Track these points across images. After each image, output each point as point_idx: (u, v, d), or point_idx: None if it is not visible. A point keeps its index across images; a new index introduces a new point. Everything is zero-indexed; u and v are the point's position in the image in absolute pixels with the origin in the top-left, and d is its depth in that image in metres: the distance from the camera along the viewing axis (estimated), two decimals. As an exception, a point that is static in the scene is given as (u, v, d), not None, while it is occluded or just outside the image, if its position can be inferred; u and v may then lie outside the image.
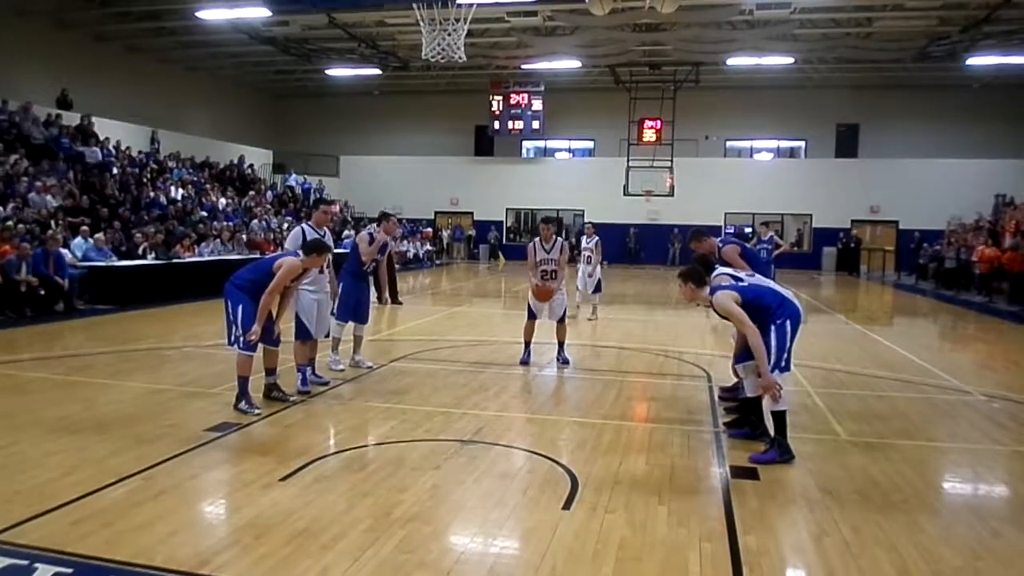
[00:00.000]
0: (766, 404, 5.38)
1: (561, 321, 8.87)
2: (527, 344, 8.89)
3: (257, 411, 6.23)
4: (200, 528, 4.10)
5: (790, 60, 24.77)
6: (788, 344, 5.33)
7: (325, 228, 7.40)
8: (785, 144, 32.59)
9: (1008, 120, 27.80)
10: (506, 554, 3.84)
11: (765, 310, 5.36)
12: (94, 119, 21.12)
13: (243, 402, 6.29)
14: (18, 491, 4.39)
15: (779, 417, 5.31)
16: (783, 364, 5.29)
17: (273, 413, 6.30)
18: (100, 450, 5.18)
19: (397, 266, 16.96)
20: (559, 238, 8.79)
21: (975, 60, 22.89)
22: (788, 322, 5.32)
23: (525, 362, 8.79)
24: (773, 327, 5.30)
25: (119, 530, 3.90)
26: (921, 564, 3.74)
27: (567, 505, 4.41)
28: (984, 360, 10.96)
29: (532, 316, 8.79)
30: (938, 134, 29.17)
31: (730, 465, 5.21)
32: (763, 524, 4.23)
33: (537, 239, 8.83)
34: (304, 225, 7.34)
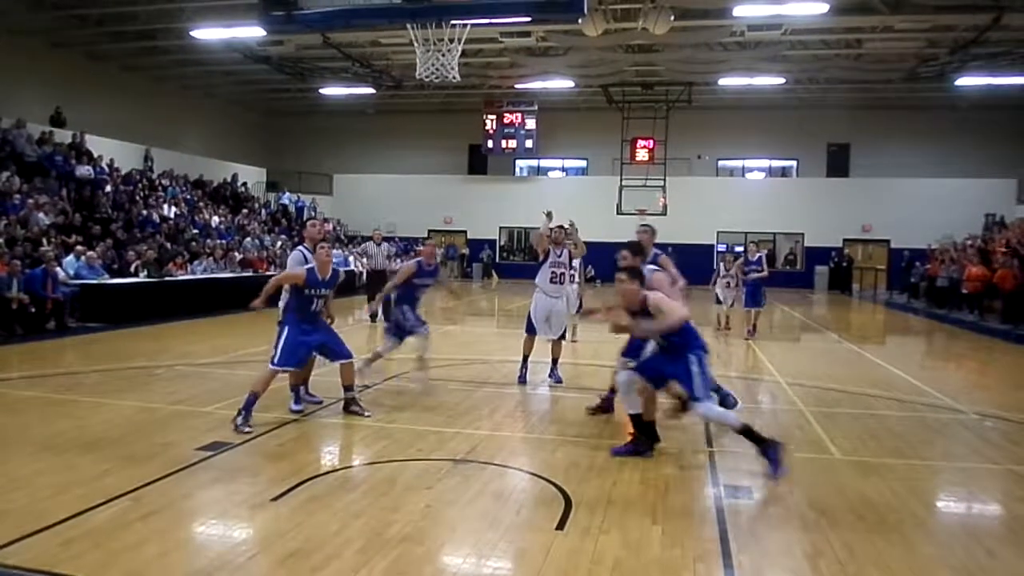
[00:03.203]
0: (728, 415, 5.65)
1: (560, 338, 8.83)
2: (525, 359, 8.76)
3: (248, 430, 6.20)
4: (191, 548, 4.07)
5: (781, 80, 24.97)
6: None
7: None
8: (777, 163, 32.77)
9: (997, 140, 28.04)
10: (499, 575, 3.82)
11: (687, 332, 5.61)
12: (87, 137, 21.11)
13: (241, 416, 6.28)
14: (7, 511, 4.35)
15: (749, 433, 5.43)
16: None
17: (265, 432, 6.26)
18: (91, 470, 5.13)
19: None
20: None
21: (964, 81, 23.13)
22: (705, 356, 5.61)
23: (523, 380, 8.67)
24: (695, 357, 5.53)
25: (110, 550, 3.86)
26: (916, 584, 3.74)
27: (561, 525, 4.39)
28: (976, 379, 11.00)
29: (532, 331, 8.68)
30: (928, 154, 29.41)
31: (724, 484, 5.20)
32: (757, 543, 4.23)
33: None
34: (302, 247, 7.28)
